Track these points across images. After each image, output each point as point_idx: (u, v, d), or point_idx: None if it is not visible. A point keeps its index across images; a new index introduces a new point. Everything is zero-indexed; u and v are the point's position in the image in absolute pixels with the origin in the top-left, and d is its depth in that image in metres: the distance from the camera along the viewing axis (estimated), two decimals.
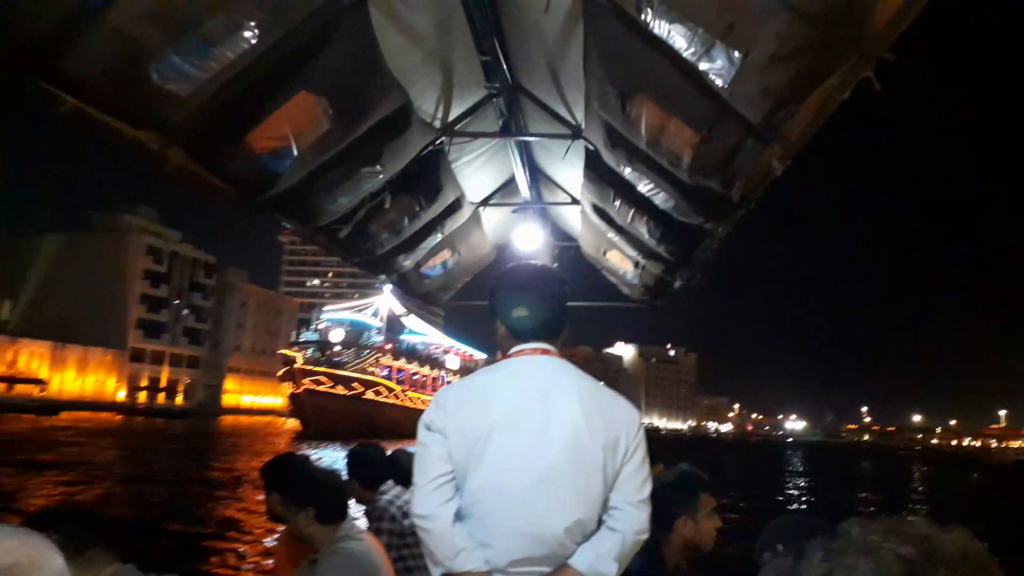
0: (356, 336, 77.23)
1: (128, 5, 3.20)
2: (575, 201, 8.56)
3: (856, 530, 1.14)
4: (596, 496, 1.90)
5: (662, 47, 3.65)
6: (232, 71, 3.92)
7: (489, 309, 2.18)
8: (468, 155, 7.69)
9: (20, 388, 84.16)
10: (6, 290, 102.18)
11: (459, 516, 1.90)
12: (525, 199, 9.08)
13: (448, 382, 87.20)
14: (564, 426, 1.88)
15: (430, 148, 6.78)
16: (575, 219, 9.26)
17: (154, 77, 3.57)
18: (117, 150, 4.10)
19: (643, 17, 3.56)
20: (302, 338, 77.40)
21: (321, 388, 65.13)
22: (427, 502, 1.91)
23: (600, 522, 1.94)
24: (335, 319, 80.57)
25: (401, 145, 6.21)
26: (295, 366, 66.78)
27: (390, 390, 72.10)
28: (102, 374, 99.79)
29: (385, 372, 73.66)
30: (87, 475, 25.83)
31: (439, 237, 8.70)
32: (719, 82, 3.51)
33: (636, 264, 7.86)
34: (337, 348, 73.52)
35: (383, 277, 8.96)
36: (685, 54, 3.50)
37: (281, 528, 3.99)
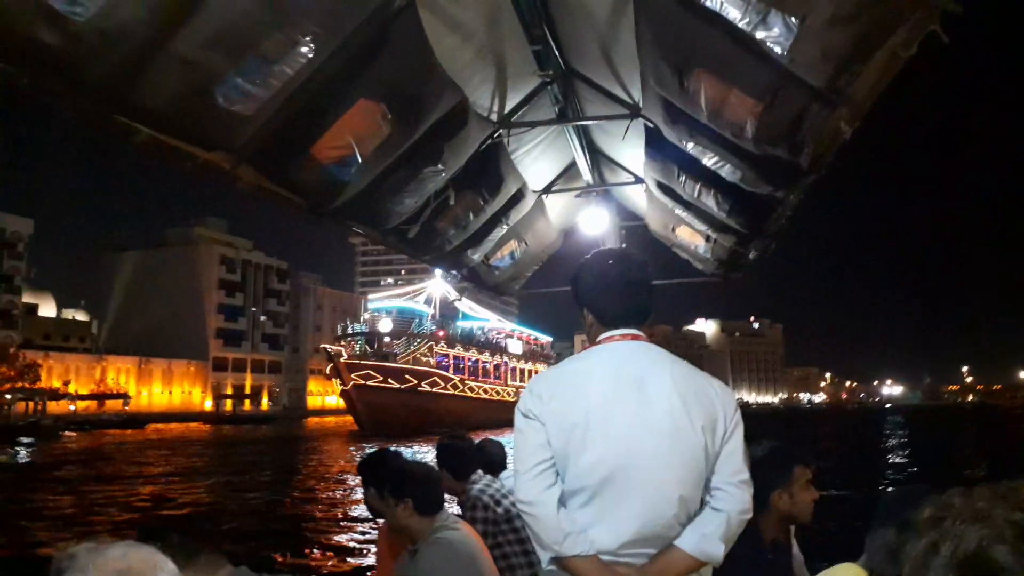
0: (406, 325, 72.65)
1: (190, 33, 3.32)
2: (639, 180, 8.47)
3: (958, 499, 1.11)
4: (699, 477, 1.92)
5: (716, 19, 3.58)
6: (292, 86, 4.03)
7: (573, 296, 2.19)
8: (527, 144, 7.70)
9: (109, 404, 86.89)
10: (92, 309, 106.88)
11: (563, 501, 1.93)
12: (587, 183, 9.03)
13: (512, 368, 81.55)
14: (662, 410, 1.90)
15: (489, 141, 6.81)
16: (640, 198, 9.16)
17: (220, 100, 3.70)
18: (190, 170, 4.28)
19: None
20: (351, 331, 71.84)
21: (371, 383, 60.88)
22: (531, 489, 1.95)
23: (703, 503, 1.95)
24: (382, 308, 76.54)
25: (460, 142, 6.27)
26: (340, 360, 61.67)
27: (447, 380, 67.83)
28: (187, 385, 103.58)
29: (440, 361, 69.11)
30: (178, 484, 26.51)
31: (505, 228, 8.74)
32: (777, 49, 3.42)
33: (707, 238, 7.74)
34: (387, 340, 68.99)
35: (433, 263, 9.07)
36: (740, 24, 3.42)
37: (381, 522, 4.13)
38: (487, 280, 9.98)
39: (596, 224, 9.69)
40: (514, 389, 77.01)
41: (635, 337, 2.05)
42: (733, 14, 3.44)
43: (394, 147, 5.35)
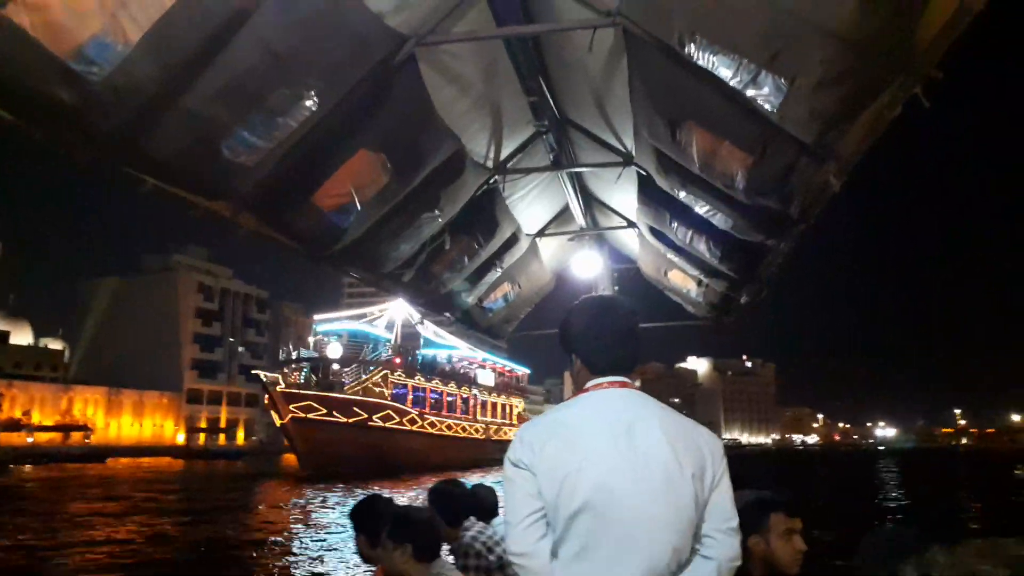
0: (358, 350, 58.67)
1: (199, 89, 3.42)
2: (631, 224, 8.60)
3: (942, 557, 1.16)
4: (689, 526, 1.91)
5: (707, 76, 3.72)
6: (295, 138, 4.13)
7: (560, 341, 2.21)
8: (521, 190, 7.83)
9: (75, 436, 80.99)
10: (69, 337, 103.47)
11: (555, 552, 1.94)
12: (581, 226, 9.15)
13: (483, 402, 69.27)
14: (654, 460, 1.88)
15: (485, 187, 6.94)
16: (632, 242, 9.29)
17: (225, 152, 3.80)
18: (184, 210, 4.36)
19: (686, 51, 3.64)
20: (295, 356, 58.14)
21: (312, 416, 48.40)
22: (522, 540, 1.94)
23: (693, 551, 1.96)
24: (331, 331, 60.63)
25: (457, 188, 6.39)
26: (275, 390, 48.45)
27: (403, 414, 54.26)
28: (159, 417, 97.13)
29: (397, 393, 55.70)
30: (89, 525, 22.15)
31: (499, 271, 8.85)
32: (767, 107, 3.55)
33: (699, 283, 7.84)
34: (335, 367, 55.59)
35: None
36: (731, 82, 3.56)
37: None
38: (480, 322, 10.04)
39: (589, 267, 9.80)
40: (483, 426, 67.56)
41: (623, 384, 2.04)
42: (724, 73, 3.57)
43: (393, 194, 5.46)
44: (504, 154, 6.87)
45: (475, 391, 68.63)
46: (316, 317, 64.45)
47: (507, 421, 74.69)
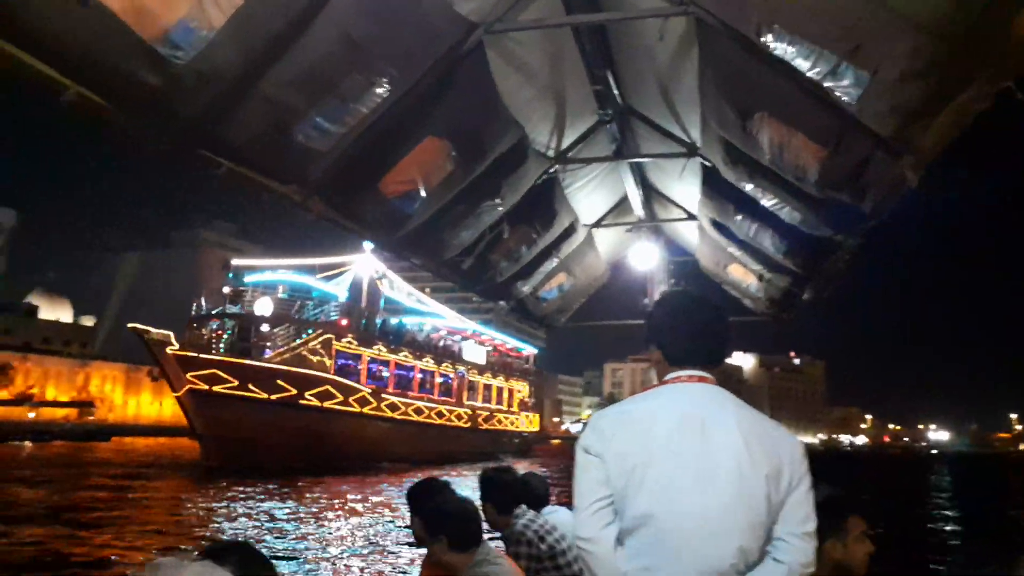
0: (295, 307, 42.68)
1: (277, 75, 3.49)
2: (691, 217, 8.49)
3: None
4: (760, 527, 1.88)
5: (783, 67, 3.65)
6: (365, 124, 4.19)
7: (645, 332, 2.20)
8: (581, 180, 7.80)
9: (87, 413, 74.93)
10: (91, 310, 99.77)
11: (620, 540, 1.95)
12: (639, 218, 9.07)
13: (472, 384, 54.41)
14: (726, 456, 1.87)
15: (545, 176, 6.93)
16: (691, 234, 9.18)
17: (299, 137, 3.87)
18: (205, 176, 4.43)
19: (763, 40, 3.57)
20: (210, 310, 42.37)
21: (219, 389, 34.75)
22: (589, 525, 1.95)
23: (764, 553, 1.92)
24: (264, 282, 43.42)
25: (518, 177, 6.40)
26: (167, 352, 34.84)
27: (349, 391, 40.08)
28: None
29: (345, 364, 41.49)
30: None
31: (555, 261, 8.84)
32: (846, 99, 3.47)
33: (760, 277, 7.72)
34: (264, 328, 40.60)
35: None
36: (809, 73, 3.49)
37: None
38: (535, 311, 10.05)
39: (645, 259, 9.71)
40: (469, 412, 53.31)
41: (702, 379, 2.01)
42: (802, 63, 3.50)
43: (456, 182, 5.50)
44: (566, 143, 6.85)
45: (461, 370, 53.36)
46: (236, 262, 44.99)
47: (504, 408, 61.72)
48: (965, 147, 3.63)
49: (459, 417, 52.70)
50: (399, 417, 44.94)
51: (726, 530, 1.86)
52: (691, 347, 2.05)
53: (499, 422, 59.28)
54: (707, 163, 6.21)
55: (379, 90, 3.99)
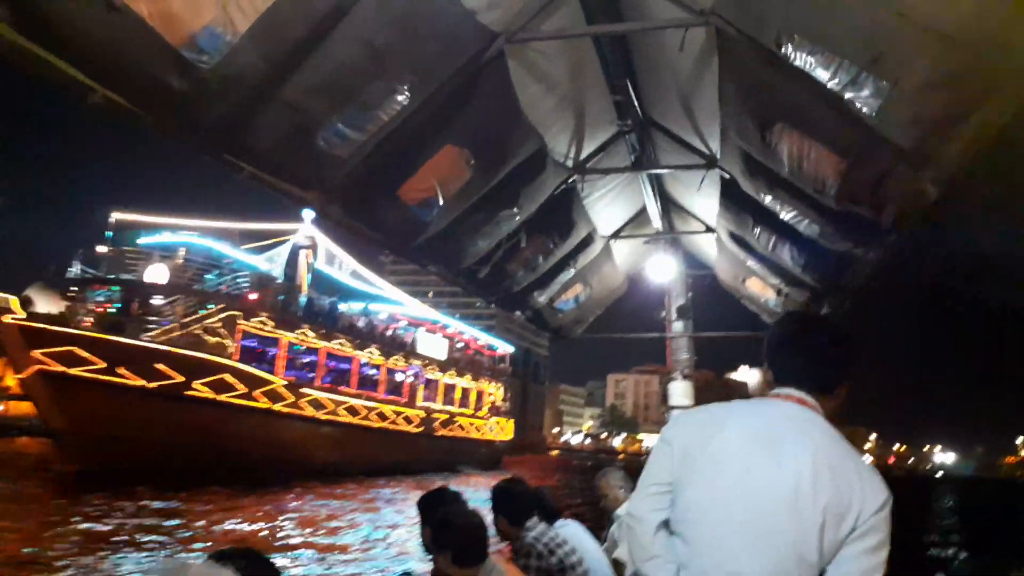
0: (195, 275, 33.20)
1: (300, 81, 3.54)
2: (710, 229, 8.47)
3: None
4: (805, 559, 1.79)
5: (803, 78, 3.64)
6: (386, 131, 4.23)
7: (762, 353, 2.18)
8: (599, 190, 7.80)
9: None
10: None
11: (667, 526, 1.96)
12: (657, 229, 9.07)
13: (429, 381, 42.79)
14: (787, 477, 1.81)
15: (563, 186, 6.95)
16: (710, 247, 9.15)
17: (320, 143, 3.92)
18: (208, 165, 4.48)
19: (783, 51, 3.57)
20: (86, 274, 31.99)
21: (78, 373, 26.28)
22: (640, 504, 2.02)
23: None
24: (159, 244, 33.77)
25: (537, 186, 6.42)
26: (7, 320, 25.93)
27: (255, 382, 30.94)
28: None
29: (252, 346, 32.01)
30: None
31: (572, 272, 8.85)
32: (866, 109, 3.46)
33: (779, 292, 7.67)
34: (156, 300, 31.44)
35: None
36: (829, 84, 3.48)
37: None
38: (551, 322, 10.05)
39: (663, 271, 9.70)
40: (423, 414, 42.60)
41: (800, 401, 1.96)
42: (822, 74, 3.50)
43: (474, 190, 5.53)
44: (584, 153, 6.87)
45: (415, 366, 42.62)
46: (120, 217, 33.24)
47: (469, 411, 49.36)
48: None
49: (408, 420, 41.30)
50: (324, 417, 34.34)
51: (763, 549, 1.81)
52: (796, 369, 2.00)
53: (461, 428, 47.67)
54: (726, 175, 6.20)
55: (400, 97, 4.03)
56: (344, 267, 40.79)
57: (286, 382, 32.47)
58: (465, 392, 49.78)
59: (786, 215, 5.34)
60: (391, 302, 45.94)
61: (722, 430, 1.92)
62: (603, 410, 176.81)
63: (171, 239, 34.02)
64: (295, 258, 36.87)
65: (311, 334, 34.99)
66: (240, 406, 30.08)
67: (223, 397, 29.42)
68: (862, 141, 3.83)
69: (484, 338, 57.50)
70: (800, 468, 1.80)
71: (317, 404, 34.22)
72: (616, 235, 9.28)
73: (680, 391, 9.46)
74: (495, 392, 55.35)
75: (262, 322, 32.20)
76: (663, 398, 10.06)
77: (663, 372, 10.63)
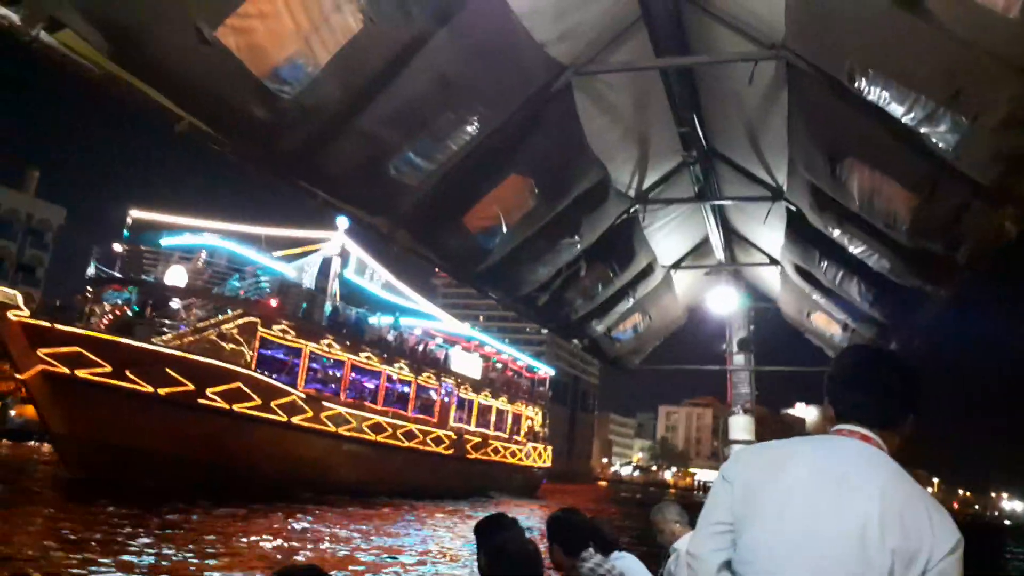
0: (214, 279, 31.05)
1: (375, 111, 3.65)
2: (774, 262, 8.35)
3: None
4: None
5: (876, 112, 3.60)
6: (454, 160, 4.32)
7: (825, 389, 2.16)
8: (661, 220, 7.78)
9: None
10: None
11: (728, 567, 1.93)
12: (719, 261, 8.98)
13: (461, 401, 40.40)
14: (855, 517, 1.77)
15: (625, 216, 6.95)
16: (773, 280, 9.01)
17: (392, 171, 4.02)
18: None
19: (856, 85, 3.54)
20: (110, 276, 30.09)
21: (83, 374, 24.20)
22: (701, 545, 1.97)
23: None
24: (181, 246, 31.86)
25: (598, 216, 6.44)
26: (11, 317, 23.79)
27: (272, 393, 28.91)
28: None
29: (273, 356, 30.47)
30: None
31: (631, 301, 8.80)
32: (942, 145, 3.40)
33: (844, 327, 7.51)
34: (175, 303, 30.34)
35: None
36: (904, 119, 3.43)
37: None
38: (608, 351, 10.00)
39: (724, 303, 9.58)
40: (454, 436, 39.48)
41: (864, 437, 1.92)
42: (896, 109, 3.45)
43: (537, 219, 5.58)
44: (647, 183, 6.87)
45: (446, 383, 39.91)
46: (138, 215, 31.27)
47: (505, 435, 46.34)
48: None
49: (438, 441, 38.24)
50: (347, 434, 31.70)
51: None
52: (860, 405, 1.95)
53: (495, 452, 44.23)
54: (792, 207, 6.12)
55: (470, 128, 4.12)
56: (376, 278, 38.14)
57: (305, 394, 30.07)
58: (500, 414, 46.73)
59: (855, 249, 5.24)
60: (426, 316, 42.89)
61: (786, 469, 1.88)
62: (654, 442, 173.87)
63: (192, 241, 31.69)
64: (327, 268, 34.77)
65: (336, 345, 32.55)
66: (253, 417, 27.66)
67: (237, 407, 26.94)
68: (936, 176, 3.76)
69: (524, 359, 53.81)
70: (868, 509, 1.75)
71: (339, 419, 31.64)
72: (677, 265, 9.22)
73: (741, 426, 9.29)
74: (533, 416, 52.12)
75: (283, 330, 30.01)
76: (722, 432, 9.86)
77: (717, 405, 10.45)
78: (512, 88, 4.25)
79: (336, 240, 34.54)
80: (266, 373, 28.65)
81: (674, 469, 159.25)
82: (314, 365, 31.67)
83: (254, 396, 27.69)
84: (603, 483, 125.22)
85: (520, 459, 48.60)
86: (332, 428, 31.15)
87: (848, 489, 1.80)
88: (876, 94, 3.51)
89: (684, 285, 9.85)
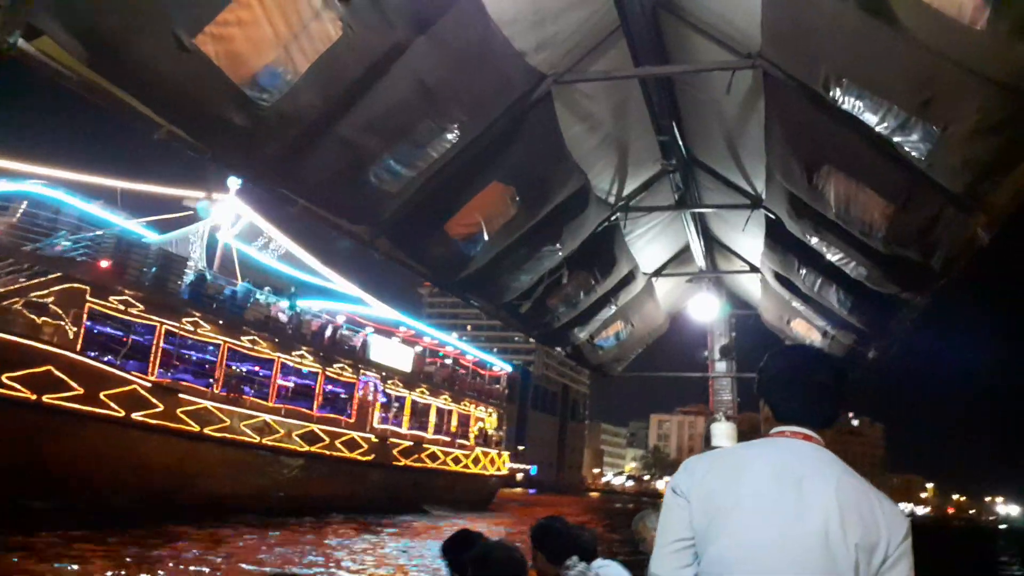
0: (31, 234, 21.41)
1: (355, 118, 3.65)
2: (754, 269, 8.42)
3: None
4: None
5: (851, 122, 3.65)
6: (434, 168, 4.33)
7: (756, 386, 2.17)
8: (642, 228, 7.83)
9: None
10: None
11: None
12: (700, 268, 9.04)
13: (390, 398, 33.26)
14: (816, 516, 1.80)
15: (606, 224, 6.99)
16: (754, 287, 9.08)
17: (372, 179, 4.03)
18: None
19: (831, 95, 3.59)
20: None
21: None
22: (663, 565, 1.93)
23: None
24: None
25: (580, 223, 6.47)
26: None
27: (101, 382, 20.16)
28: None
29: (119, 337, 21.65)
30: None
31: (613, 309, 8.84)
32: (915, 154, 3.45)
33: (824, 334, 7.57)
34: None
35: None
36: (877, 128, 3.48)
37: None
38: (591, 359, 10.03)
39: (706, 310, 9.63)
40: (375, 439, 31.80)
41: (806, 437, 1.94)
42: (870, 118, 3.50)
43: (518, 226, 5.60)
44: (628, 191, 6.92)
45: (368, 376, 32.25)
46: None
47: (447, 439, 38.61)
48: None
49: (353, 445, 30.87)
50: (216, 435, 24.40)
51: None
52: (802, 406, 1.98)
53: (433, 458, 37.03)
54: (771, 215, 6.18)
55: (450, 136, 4.13)
56: (274, 249, 30.60)
57: (154, 384, 22.34)
58: (442, 415, 39.01)
59: (833, 256, 5.30)
60: (350, 300, 34.94)
61: (742, 476, 1.88)
62: (646, 451, 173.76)
63: (9, 188, 22.76)
64: (215, 240, 27.73)
65: (206, 325, 24.96)
66: (75, 411, 20.51)
67: (49, 398, 20.01)
68: (911, 185, 3.82)
69: (476, 354, 45.44)
70: (827, 509, 1.78)
71: (205, 417, 24.10)
72: (658, 273, 9.27)
73: (723, 432, 9.34)
74: (485, 417, 43.97)
75: (125, 302, 22.13)
76: (704, 439, 9.90)
77: (708, 413, 10.52)
78: (492, 96, 4.27)
79: (225, 204, 27.42)
80: (97, 356, 21.14)
81: (667, 478, 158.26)
82: (170, 348, 23.39)
83: (74, 384, 20.40)
84: (595, 494, 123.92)
85: (466, 466, 40.80)
86: (194, 427, 23.56)
87: (806, 491, 1.82)
88: (850, 103, 3.56)
89: (666, 292, 9.90)
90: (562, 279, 7.10)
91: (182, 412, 23.28)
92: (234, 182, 25.93)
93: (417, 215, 4.65)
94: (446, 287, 5.87)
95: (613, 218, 7.03)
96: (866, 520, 1.80)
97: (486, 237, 5.30)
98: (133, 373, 21.56)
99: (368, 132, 3.78)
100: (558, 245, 6.47)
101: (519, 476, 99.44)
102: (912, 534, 1.86)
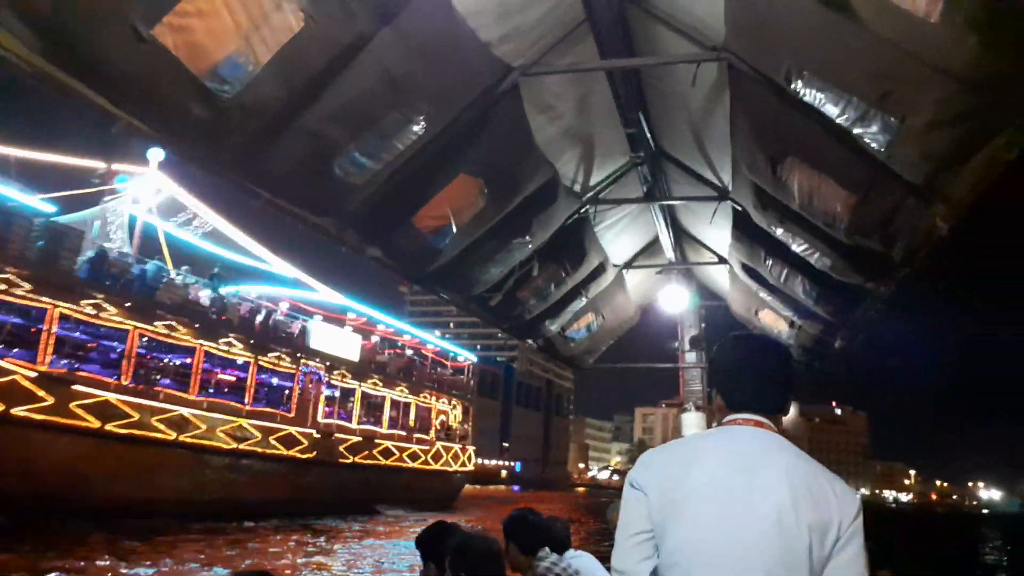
0: None
1: (319, 109, 3.62)
2: (722, 260, 8.49)
3: None
4: None
5: (813, 113, 3.69)
6: (401, 160, 4.31)
7: (708, 379, 2.20)
8: (611, 220, 7.86)
9: None
10: None
11: (657, 575, 1.95)
12: (669, 260, 9.10)
13: (337, 391, 29.96)
14: (768, 501, 1.82)
15: (575, 216, 7.01)
16: (723, 279, 9.16)
17: (337, 171, 3.99)
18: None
19: (792, 87, 3.62)
20: None
21: None
22: (625, 558, 1.94)
23: None
24: None
25: (549, 215, 6.48)
26: None
27: None
28: None
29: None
30: None
31: (583, 301, 8.87)
32: (875, 145, 3.50)
33: (791, 324, 7.67)
34: None
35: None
36: (838, 120, 3.53)
37: None
38: (563, 351, 10.06)
39: (676, 302, 9.70)
40: (317, 435, 28.15)
41: (758, 424, 1.97)
42: (831, 110, 3.55)
43: (487, 219, 5.59)
44: (597, 183, 6.94)
45: (309, 366, 29.00)
46: None
47: (403, 433, 34.94)
48: (1000, 195, 3.61)
49: (292, 442, 27.66)
50: (121, 431, 20.87)
51: (758, 573, 1.84)
52: (753, 394, 2.01)
53: (386, 454, 33.54)
54: (738, 207, 6.24)
55: (416, 127, 4.11)
56: (197, 226, 27.14)
57: (42, 374, 18.90)
58: (398, 407, 35.60)
59: (798, 247, 5.36)
60: (289, 284, 31.39)
61: (694, 467, 1.91)
62: (631, 445, 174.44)
63: None
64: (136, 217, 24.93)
65: (110, 308, 21.30)
66: None
67: None
68: (872, 176, 3.87)
69: (438, 343, 42.14)
70: (778, 493, 1.81)
71: (106, 412, 20.70)
72: (628, 265, 9.31)
73: (693, 422, 9.42)
74: (448, 411, 40.97)
75: (7, 281, 18.73)
76: (674, 430, 9.97)
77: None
78: (458, 87, 4.26)
79: (148, 178, 24.83)
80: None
81: None
82: (65, 333, 20.17)
83: None
84: (581, 489, 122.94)
85: (426, 463, 37.32)
86: (93, 423, 20.24)
87: (757, 477, 1.85)
88: (812, 95, 3.60)
89: (636, 284, 9.95)
90: (532, 271, 7.11)
91: (77, 406, 19.98)
92: (156, 154, 23.28)
93: (384, 207, 4.63)
94: (415, 280, 5.85)
95: (583, 210, 7.05)
96: (818, 502, 1.83)
97: (455, 229, 5.29)
98: (14, 362, 18.04)
99: (333, 123, 3.75)
100: (528, 237, 6.47)
101: (503, 473, 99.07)
102: (864, 512, 1.87)
